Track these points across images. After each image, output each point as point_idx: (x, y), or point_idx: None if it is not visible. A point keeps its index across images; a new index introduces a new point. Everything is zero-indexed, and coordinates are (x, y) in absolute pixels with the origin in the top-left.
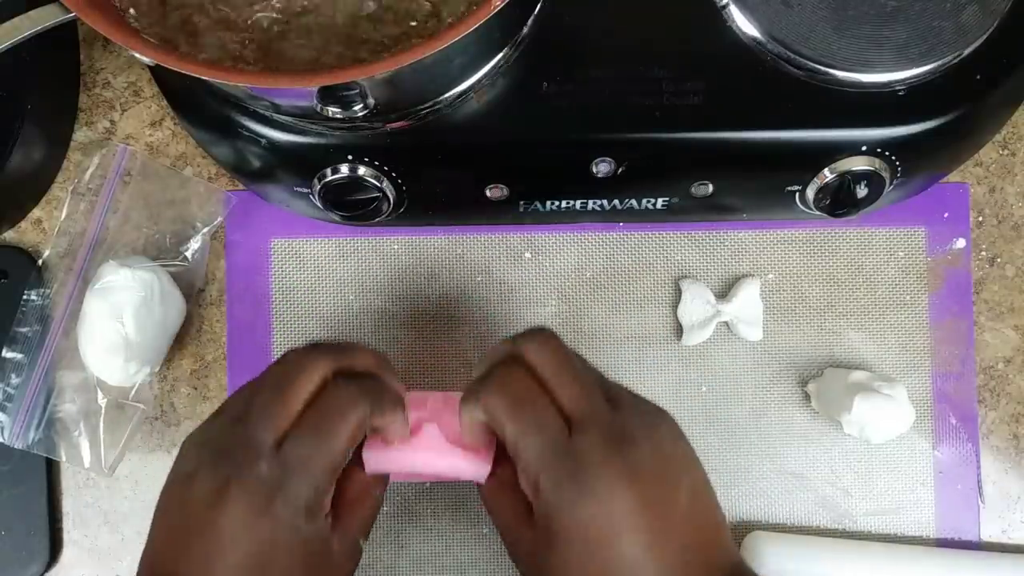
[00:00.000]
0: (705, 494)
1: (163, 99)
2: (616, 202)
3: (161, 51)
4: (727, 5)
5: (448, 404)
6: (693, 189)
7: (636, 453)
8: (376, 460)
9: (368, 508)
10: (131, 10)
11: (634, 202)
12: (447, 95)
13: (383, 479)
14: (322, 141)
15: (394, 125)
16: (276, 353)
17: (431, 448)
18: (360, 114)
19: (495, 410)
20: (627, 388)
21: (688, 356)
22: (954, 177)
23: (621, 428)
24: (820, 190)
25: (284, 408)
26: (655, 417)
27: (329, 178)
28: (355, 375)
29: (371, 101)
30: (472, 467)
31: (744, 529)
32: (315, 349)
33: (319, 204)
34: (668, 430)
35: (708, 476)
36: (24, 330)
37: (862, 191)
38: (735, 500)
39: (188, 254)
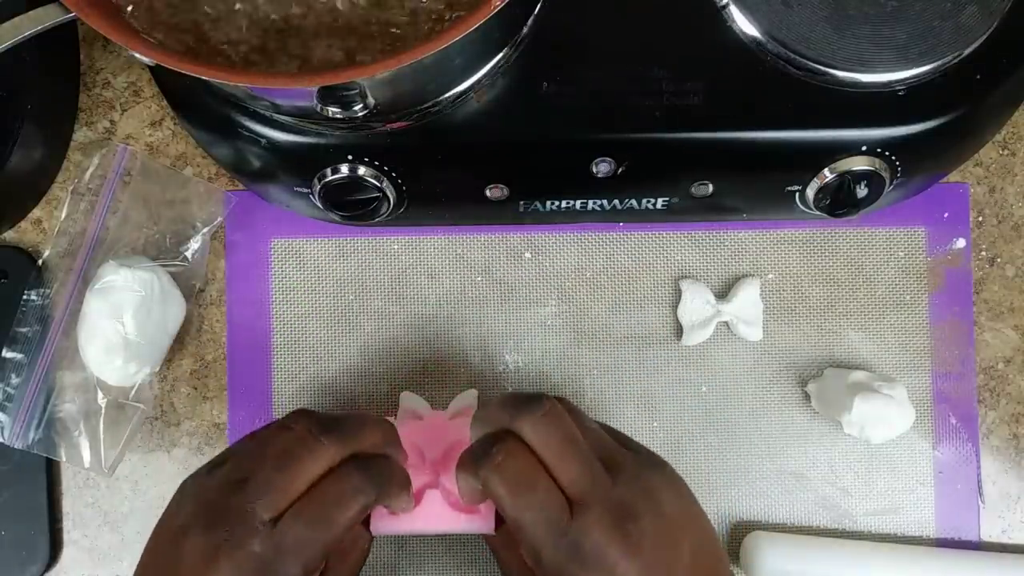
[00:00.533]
0: (708, 546)
1: (163, 99)
2: (616, 202)
3: (161, 51)
4: (727, 5)
5: (447, 459)
6: (693, 189)
7: (637, 526)
8: (381, 526)
9: (358, 556)
10: (129, 7)
11: (634, 202)
12: (447, 95)
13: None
14: (322, 141)
15: (394, 125)
16: (276, 354)
17: (434, 514)
18: (360, 114)
19: (494, 487)
20: (627, 441)
21: (688, 356)
22: (954, 177)
23: (621, 502)
24: (820, 190)
25: (286, 487)
26: (656, 478)
27: (329, 178)
28: (362, 456)
29: (371, 101)
30: (475, 526)
31: (744, 529)
32: (326, 433)
33: (319, 204)
34: (670, 491)
35: (713, 528)
36: (24, 330)
37: (862, 191)
38: (735, 500)
39: (188, 254)
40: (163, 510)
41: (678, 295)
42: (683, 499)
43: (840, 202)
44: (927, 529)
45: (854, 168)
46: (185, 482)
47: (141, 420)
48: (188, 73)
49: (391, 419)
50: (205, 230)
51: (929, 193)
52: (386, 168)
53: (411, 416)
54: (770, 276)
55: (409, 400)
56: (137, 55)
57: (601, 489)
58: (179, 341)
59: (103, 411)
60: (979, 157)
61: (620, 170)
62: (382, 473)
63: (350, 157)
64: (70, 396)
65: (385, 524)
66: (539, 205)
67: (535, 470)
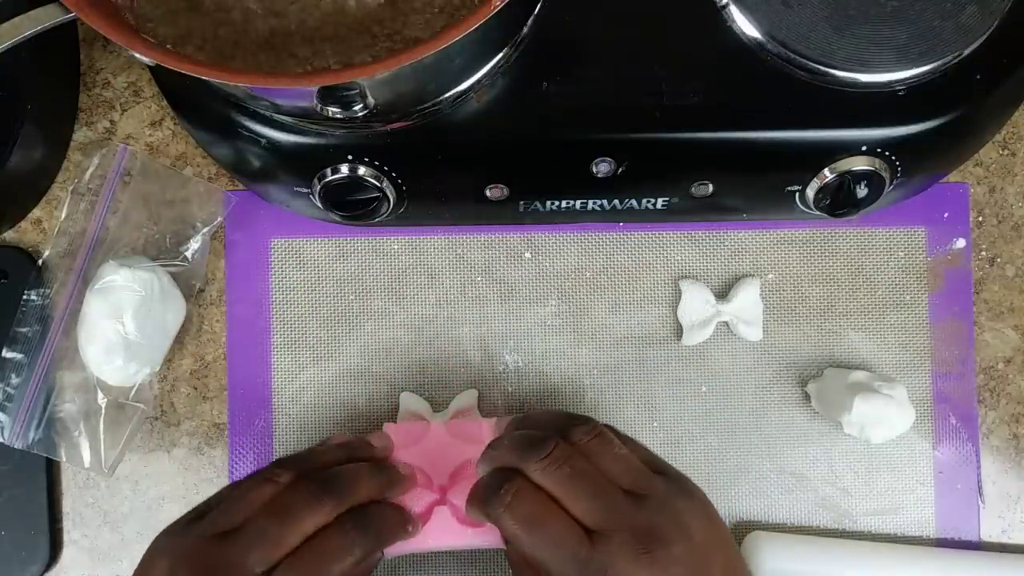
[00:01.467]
0: (738, 571)
1: (163, 99)
2: (616, 202)
3: (161, 51)
4: (727, 5)
5: (455, 477)
6: (693, 189)
7: (668, 552)
8: (393, 548)
9: None
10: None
11: (634, 202)
12: (447, 95)
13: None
14: (322, 141)
15: (394, 125)
16: (276, 354)
17: (444, 532)
18: (360, 114)
19: (507, 527)
20: (660, 466)
21: (688, 356)
22: (954, 177)
23: (647, 528)
24: (820, 190)
25: (281, 541)
26: (686, 503)
27: (329, 178)
28: (359, 507)
29: (371, 101)
30: (486, 540)
31: (744, 529)
32: (326, 493)
33: (319, 204)
34: (700, 517)
35: (739, 550)
36: (24, 330)
37: (862, 191)
38: (735, 500)
39: (188, 254)
40: (152, 535)
41: (678, 295)
42: (713, 524)
43: (840, 202)
44: (927, 529)
45: (854, 168)
46: (159, 538)
47: (141, 420)
48: (188, 73)
49: (392, 425)
50: (205, 230)
51: (929, 193)
52: (386, 168)
53: (412, 418)
54: (770, 276)
55: (409, 401)
56: (137, 55)
57: (620, 515)
58: (179, 341)
59: (103, 411)
60: (979, 157)
61: (620, 170)
62: (378, 524)
63: (350, 157)
64: (70, 396)
65: (397, 546)
66: (539, 205)
67: (545, 506)
